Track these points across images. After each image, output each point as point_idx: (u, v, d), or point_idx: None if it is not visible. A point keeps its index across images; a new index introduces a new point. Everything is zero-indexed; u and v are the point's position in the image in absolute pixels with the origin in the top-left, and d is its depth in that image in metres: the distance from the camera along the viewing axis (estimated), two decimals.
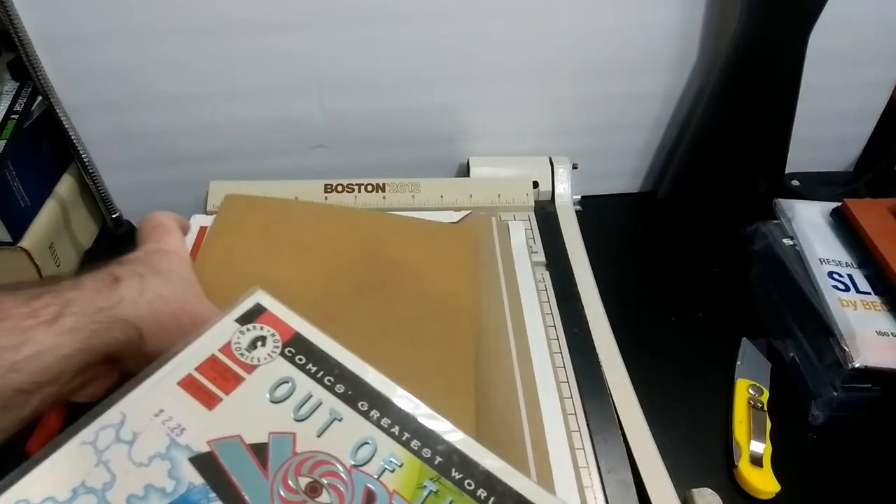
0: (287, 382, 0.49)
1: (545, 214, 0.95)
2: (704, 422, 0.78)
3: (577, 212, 0.98)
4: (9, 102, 0.86)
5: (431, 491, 0.45)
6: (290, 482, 0.43)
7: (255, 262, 0.75)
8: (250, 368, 0.49)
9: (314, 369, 0.50)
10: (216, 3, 0.83)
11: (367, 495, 0.44)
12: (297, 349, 0.51)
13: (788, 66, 0.89)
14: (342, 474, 0.44)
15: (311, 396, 0.48)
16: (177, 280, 0.57)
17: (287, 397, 0.48)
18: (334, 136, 0.99)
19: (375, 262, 0.77)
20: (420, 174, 0.95)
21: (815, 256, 0.84)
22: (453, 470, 0.46)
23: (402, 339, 0.69)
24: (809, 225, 0.88)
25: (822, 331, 0.78)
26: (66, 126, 0.88)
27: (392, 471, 0.45)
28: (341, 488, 0.44)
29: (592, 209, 1.02)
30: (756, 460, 0.72)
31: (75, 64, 0.85)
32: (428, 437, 0.47)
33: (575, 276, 0.87)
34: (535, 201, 0.96)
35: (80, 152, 0.90)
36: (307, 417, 0.47)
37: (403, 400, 0.49)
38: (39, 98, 0.87)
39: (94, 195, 0.96)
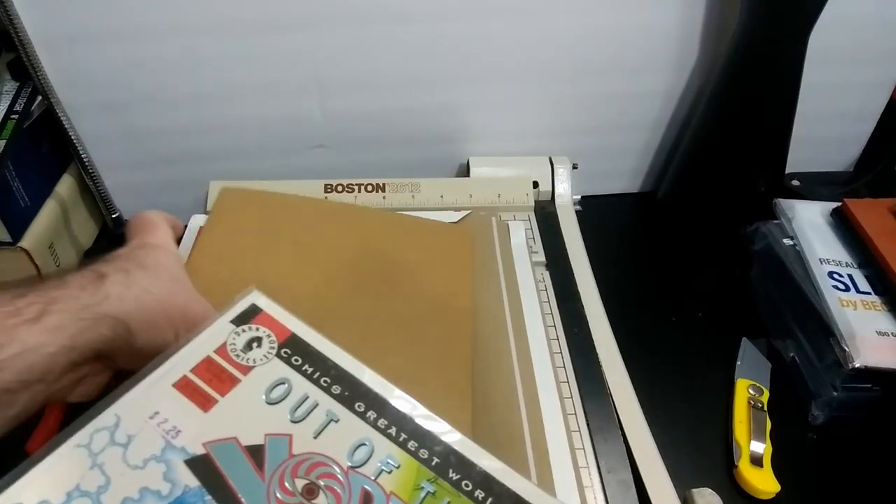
0: (283, 384, 0.48)
1: (545, 214, 0.95)
2: (704, 422, 0.78)
3: (577, 212, 0.98)
4: (9, 102, 0.87)
5: (429, 492, 0.44)
6: (286, 484, 0.43)
7: (251, 256, 0.75)
8: (246, 370, 0.49)
9: (310, 370, 0.50)
10: (216, 3, 0.83)
11: (364, 497, 0.43)
12: (294, 350, 0.51)
13: (788, 66, 0.88)
14: (339, 476, 0.44)
15: (308, 398, 0.48)
16: (164, 274, 0.56)
17: (283, 399, 0.48)
18: (334, 136, 0.99)
19: (373, 259, 0.77)
20: (420, 174, 0.96)
21: (815, 256, 0.84)
22: (451, 471, 0.46)
23: (400, 338, 0.69)
24: (809, 225, 0.88)
25: (822, 331, 0.78)
26: (66, 126, 0.88)
27: (389, 472, 0.45)
28: (338, 490, 0.43)
29: (592, 209, 1.02)
30: (756, 460, 0.72)
31: (75, 64, 0.85)
32: (425, 438, 0.47)
33: (575, 276, 0.87)
34: (535, 201, 0.96)
35: (80, 152, 0.90)
36: (303, 419, 0.47)
37: (400, 401, 0.49)
38: (39, 98, 0.87)
39: (94, 195, 0.96)
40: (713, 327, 0.90)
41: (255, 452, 0.44)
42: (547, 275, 0.86)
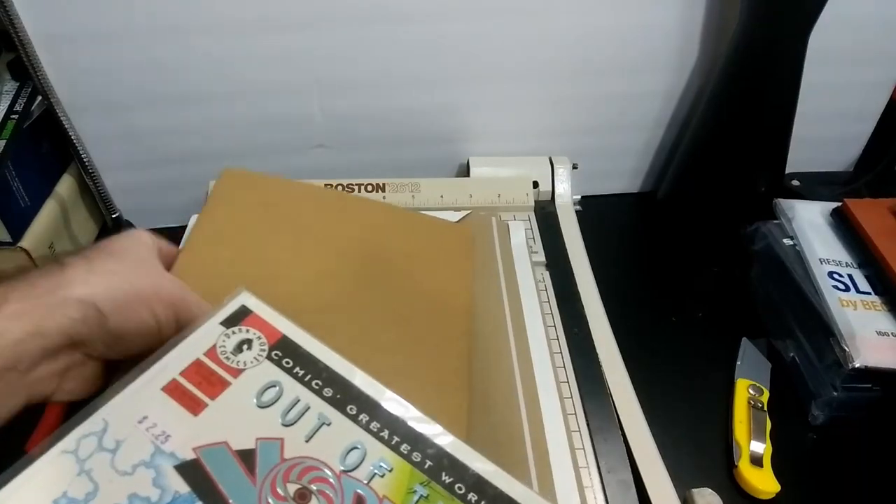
0: (274, 386, 0.48)
1: (545, 214, 0.95)
2: (704, 422, 0.78)
3: (577, 212, 0.98)
4: (9, 102, 0.87)
5: (422, 495, 0.44)
6: (278, 489, 0.43)
7: (250, 239, 0.73)
8: (236, 373, 0.48)
9: (301, 373, 0.49)
10: (216, 3, 0.83)
11: (357, 501, 0.43)
12: (284, 352, 0.50)
13: (788, 66, 0.88)
14: (331, 480, 0.44)
15: (299, 401, 0.47)
16: (129, 258, 0.54)
17: (274, 402, 0.47)
18: (334, 136, 0.99)
19: (373, 252, 0.76)
20: (420, 174, 0.96)
21: (815, 256, 0.84)
22: (443, 474, 0.46)
23: (398, 335, 0.68)
24: (809, 225, 0.88)
25: (822, 331, 0.78)
26: (66, 126, 0.88)
27: (382, 476, 0.45)
28: (330, 494, 0.43)
29: (592, 209, 1.02)
30: (756, 460, 0.72)
31: (75, 64, 0.85)
32: (418, 441, 0.47)
33: (575, 276, 0.87)
34: (535, 201, 0.96)
35: (80, 152, 0.90)
36: (295, 422, 0.46)
37: (392, 403, 0.49)
38: (39, 98, 0.87)
39: (94, 195, 0.96)
40: (713, 327, 0.90)
41: (247, 457, 0.44)
42: (547, 275, 0.86)
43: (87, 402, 0.46)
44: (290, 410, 0.47)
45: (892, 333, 0.76)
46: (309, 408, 0.47)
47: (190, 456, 0.43)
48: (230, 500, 0.42)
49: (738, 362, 0.83)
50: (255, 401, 0.47)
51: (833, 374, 0.76)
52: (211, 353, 0.49)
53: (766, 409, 0.77)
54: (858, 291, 0.81)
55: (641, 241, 1.07)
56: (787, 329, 0.84)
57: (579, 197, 1.00)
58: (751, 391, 0.79)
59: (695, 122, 0.99)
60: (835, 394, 0.76)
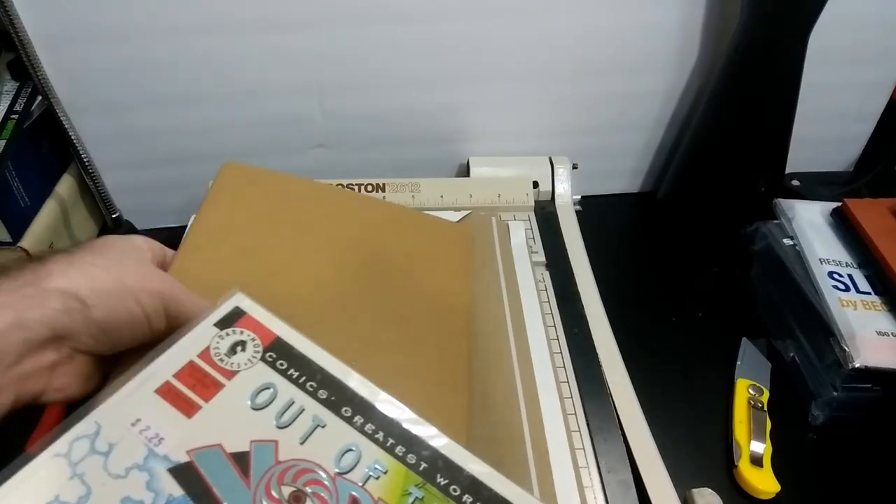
0: (268, 388, 0.47)
1: (545, 214, 0.95)
2: (704, 422, 0.78)
3: (577, 212, 0.98)
4: (9, 102, 0.87)
5: (417, 497, 0.44)
6: (272, 492, 0.42)
7: (251, 234, 0.72)
8: (230, 374, 0.48)
9: (296, 374, 0.49)
10: (216, 3, 0.84)
11: (352, 503, 0.43)
12: (279, 354, 0.50)
13: (788, 66, 0.88)
14: (326, 482, 0.44)
15: (294, 403, 0.47)
16: (114, 253, 0.53)
17: (268, 404, 0.47)
18: (334, 136, 0.99)
19: (373, 251, 0.76)
20: (420, 174, 0.96)
21: (815, 256, 0.84)
22: (438, 476, 0.45)
23: (398, 335, 0.68)
24: (809, 225, 0.88)
25: (822, 331, 0.78)
26: (66, 126, 0.88)
27: (377, 478, 0.44)
28: (325, 496, 0.43)
29: (592, 209, 1.02)
30: (756, 460, 0.72)
31: (75, 64, 0.86)
32: (412, 443, 0.47)
33: (575, 276, 0.87)
34: (535, 201, 0.96)
35: (80, 152, 0.91)
36: (289, 424, 0.46)
37: (387, 405, 0.48)
38: (39, 98, 0.87)
39: (94, 195, 0.96)
40: (713, 327, 0.90)
41: (241, 459, 0.43)
42: (547, 275, 0.86)
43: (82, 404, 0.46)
44: (284, 412, 0.46)
45: (892, 333, 0.76)
46: (303, 410, 0.47)
47: (184, 459, 0.43)
48: (224, 503, 0.41)
49: (738, 362, 0.83)
50: (249, 403, 0.47)
51: (833, 374, 0.76)
52: (204, 354, 0.49)
53: (766, 409, 0.77)
54: (858, 291, 0.81)
55: (641, 241, 1.07)
56: (787, 329, 0.84)
57: (579, 197, 1.00)
58: (751, 391, 0.79)
59: (695, 122, 0.99)
60: (835, 394, 0.76)
